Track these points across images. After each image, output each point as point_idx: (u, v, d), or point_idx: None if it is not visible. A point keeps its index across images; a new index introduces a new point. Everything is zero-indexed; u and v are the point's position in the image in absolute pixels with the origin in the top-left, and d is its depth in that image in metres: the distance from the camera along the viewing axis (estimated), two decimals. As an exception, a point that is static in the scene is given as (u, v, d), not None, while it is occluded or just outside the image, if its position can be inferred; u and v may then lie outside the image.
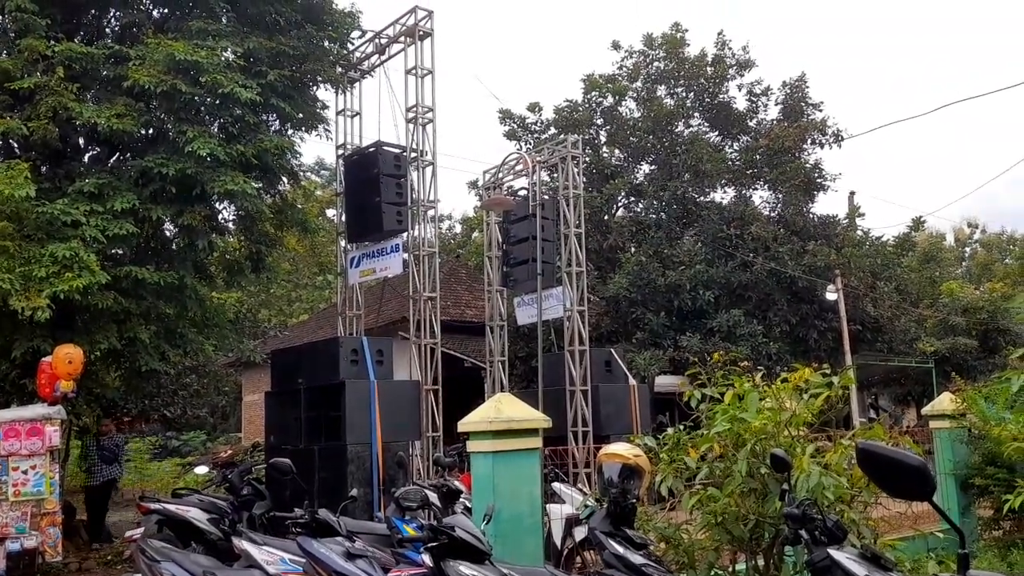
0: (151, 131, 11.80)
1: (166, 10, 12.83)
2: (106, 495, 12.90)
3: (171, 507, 8.30)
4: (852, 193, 27.32)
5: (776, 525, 5.06)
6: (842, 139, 23.71)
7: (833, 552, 3.87)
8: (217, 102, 11.17)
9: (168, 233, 12.30)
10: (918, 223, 28.25)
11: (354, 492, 7.28)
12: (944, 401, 9.22)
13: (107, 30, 12.76)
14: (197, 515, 8.13)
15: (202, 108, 11.54)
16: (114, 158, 12.34)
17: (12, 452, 8.83)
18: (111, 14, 12.74)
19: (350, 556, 5.30)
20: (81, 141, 12.19)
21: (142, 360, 11.66)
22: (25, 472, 8.89)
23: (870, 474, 2.97)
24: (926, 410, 9.74)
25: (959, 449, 8.90)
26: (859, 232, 25.19)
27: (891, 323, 22.75)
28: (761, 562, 5.35)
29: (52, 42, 10.79)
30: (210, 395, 25.16)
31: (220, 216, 12.62)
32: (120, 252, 10.96)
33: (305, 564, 5.54)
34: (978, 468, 8.66)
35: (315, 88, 13.16)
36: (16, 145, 11.59)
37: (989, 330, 24.42)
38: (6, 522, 8.68)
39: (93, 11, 12.49)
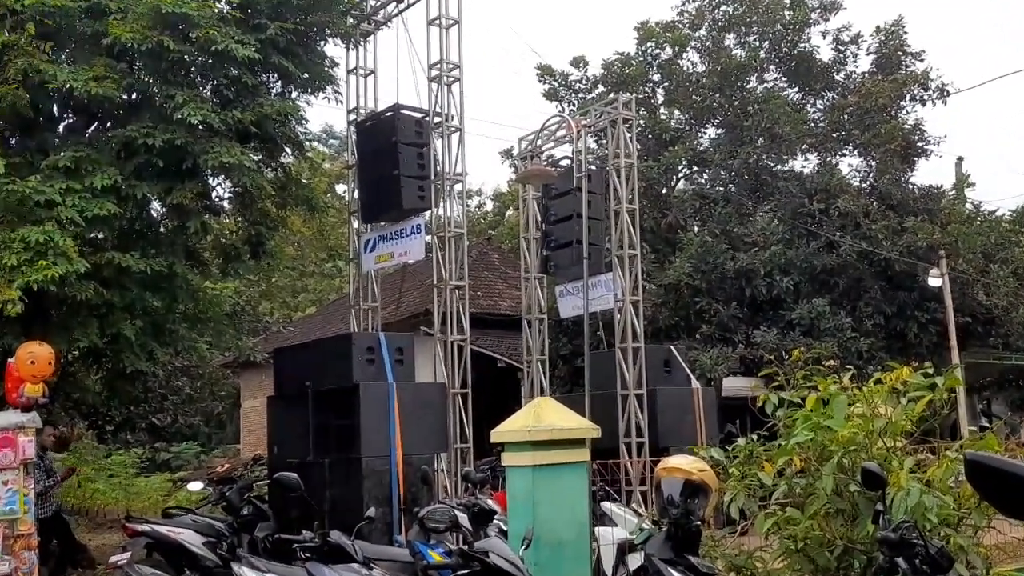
0: (135, 96, 11.95)
1: (151, -45, 12.99)
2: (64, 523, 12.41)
3: (161, 529, 8.45)
4: (960, 159, 26.94)
5: (868, 552, 5.03)
6: (948, 94, 23.36)
7: (937, 584, 3.84)
8: (210, 61, 11.29)
9: (155, 214, 12.49)
10: (1041, 194, 27.72)
11: (371, 512, 7.36)
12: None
13: (83, -21, 12.95)
14: (191, 538, 8.26)
15: (193, 68, 11.67)
16: (93, 128, 12.54)
17: (-18, 466, 9.03)
18: (88, -39, 12.93)
19: (367, 586, 5.36)
20: (55, 108, 12.38)
21: (127, 360, 11.86)
22: (-4, 488, 9.08)
23: (981, 491, 2.92)
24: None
25: (1091, 465, 8.72)
26: (968, 206, 24.76)
27: (1007, 314, 22.30)
28: (850, 596, 5.32)
29: (21, -6, 10.96)
30: (204, 400, 25.61)
31: (214, 194, 12.79)
32: (101, 236, 11.15)
33: (315, 595, 5.62)
34: (1114, 488, 8.47)
35: (323, 43, 13.22)
36: (-19, 114, 11.82)
37: None
38: (-25, 546, 8.89)
39: (67, -42, 12.68)
